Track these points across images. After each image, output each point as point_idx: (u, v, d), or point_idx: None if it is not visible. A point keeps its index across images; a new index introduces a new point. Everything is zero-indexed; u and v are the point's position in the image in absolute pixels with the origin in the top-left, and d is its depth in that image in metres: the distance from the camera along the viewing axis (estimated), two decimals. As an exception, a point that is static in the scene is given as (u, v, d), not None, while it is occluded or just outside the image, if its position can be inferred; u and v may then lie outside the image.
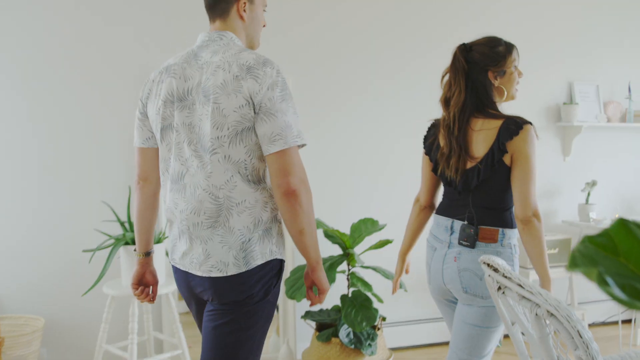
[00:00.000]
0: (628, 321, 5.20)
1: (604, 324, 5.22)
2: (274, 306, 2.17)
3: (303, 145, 2.04)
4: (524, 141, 2.38)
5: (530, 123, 2.43)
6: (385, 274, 3.92)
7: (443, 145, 2.56)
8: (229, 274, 2.05)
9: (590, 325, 5.10)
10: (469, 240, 2.46)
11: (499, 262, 2.14)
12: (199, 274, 2.10)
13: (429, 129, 2.73)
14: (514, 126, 2.40)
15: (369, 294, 3.98)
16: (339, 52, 4.47)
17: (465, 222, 2.48)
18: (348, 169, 4.51)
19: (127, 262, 3.51)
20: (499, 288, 2.10)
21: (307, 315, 4.05)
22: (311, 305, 2.24)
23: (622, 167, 5.31)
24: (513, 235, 2.47)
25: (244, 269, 2.04)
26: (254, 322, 2.10)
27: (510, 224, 2.47)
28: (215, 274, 2.06)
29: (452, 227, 2.54)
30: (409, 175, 4.64)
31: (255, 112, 1.99)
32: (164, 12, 4.10)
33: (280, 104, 1.99)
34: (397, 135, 4.60)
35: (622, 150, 5.30)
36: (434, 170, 2.65)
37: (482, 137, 2.46)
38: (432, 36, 4.65)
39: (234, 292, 2.06)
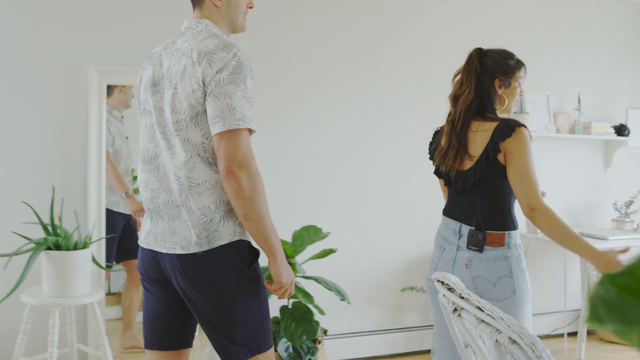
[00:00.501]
0: (574, 334, 5.13)
1: (548, 336, 5.14)
2: (258, 284, 2.16)
3: (251, 131, 2.04)
4: (516, 142, 2.48)
5: (524, 126, 2.53)
6: (328, 285, 3.72)
7: (443, 143, 2.71)
8: (191, 251, 2.07)
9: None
10: (478, 245, 2.57)
11: (454, 279, 1.96)
12: (164, 251, 2.14)
13: (434, 135, 2.87)
14: (507, 128, 2.51)
15: (310, 306, 3.77)
16: (290, 60, 4.27)
17: (473, 228, 2.59)
18: (294, 174, 4.31)
19: (48, 268, 3.22)
20: (455, 310, 1.92)
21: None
22: (279, 298, 2.22)
23: (570, 178, 5.25)
24: (517, 235, 2.59)
25: (206, 248, 2.07)
26: (245, 305, 2.11)
27: (513, 226, 2.59)
28: (178, 250, 2.09)
29: (460, 231, 2.64)
30: (359, 183, 4.46)
31: (204, 96, 2.04)
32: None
33: (226, 86, 2.00)
34: (349, 143, 4.42)
35: (570, 161, 5.23)
36: (436, 172, 2.80)
37: (478, 137, 2.59)
38: (392, 43, 4.49)
39: (205, 275, 2.07)
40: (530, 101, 4.98)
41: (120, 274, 4.15)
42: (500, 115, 2.70)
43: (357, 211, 4.48)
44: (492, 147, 2.52)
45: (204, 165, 2.08)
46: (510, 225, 2.57)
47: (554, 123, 5.05)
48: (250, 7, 2.30)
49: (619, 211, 5.16)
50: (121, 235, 4.03)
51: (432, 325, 4.69)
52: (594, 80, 5.31)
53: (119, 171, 3.99)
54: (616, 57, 5.42)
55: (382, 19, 4.51)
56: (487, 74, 2.67)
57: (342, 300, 3.73)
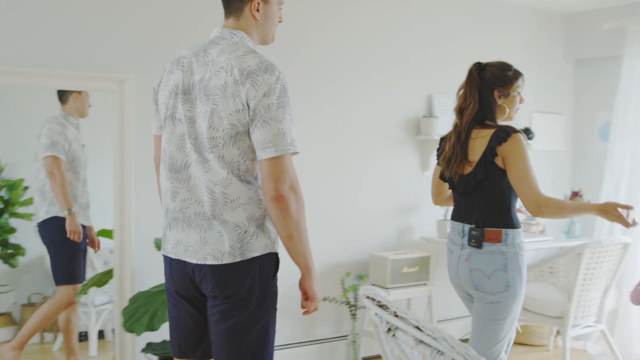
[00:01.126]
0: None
1: (462, 340, 5.09)
2: (276, 296, 2.28)
3: (295, 153, 2.10)
4: (512, 147, 2.76)
5: (520, 132, 2.80)
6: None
7: (447, 150, 2.96)
8: (224, 262, 2.13)
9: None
10: (476, 241, 2.84)
11: (387, 297, 1.79)
12: (194, 261, 2.18)
13: (440, 142, 3.13)
14: (503, 133, 2.78)
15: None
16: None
17: (473, 225, 2.87)
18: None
19: None
20: (389, 329, 1.76)
21: (149, 348, 3.55)
22: (304, 314, 2.32)
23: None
24: (517, 235, 2.84)
25: (238, 259, 2.13)
26: (263, 313, 2.20)
27: (513, 224, 2.84)
28: (210, 261, 2.14)
29: (463, 231, 2.94)
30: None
31: (250, 118, 2.07)
32: None
33: (275, 112, 2.05)
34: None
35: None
36: (441, 176, 3.07)
37: (477, 144, 2.86)
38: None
39: (235, 283, 2.15)
40: (439, 104, 4.94)
41: (9, 293, 3.78)
42: (501, 122, 2.94)
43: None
44: (490, 152, 2.79)
45: (238, 182, 2.13)
46: (509, 223, 2.83)
47: (461, 126, 5.02)
48: (280, 22, 2.36)
49: (526, 214, 5.19)
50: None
51: (346, 336, 4.55)
52: (444, 84, 5.32)
53: (66, 184, 3.72)
54: (521, 61, 5.46)
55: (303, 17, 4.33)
56: (487, 86, 2.90)
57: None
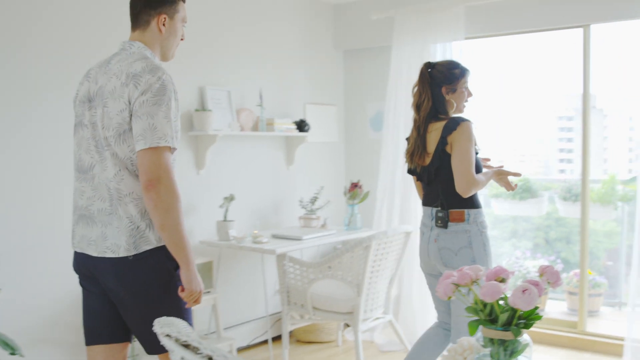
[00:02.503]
0: (276, 338, 4.90)
1: (249, 346, 4.83)
2: (179, 281, 2.38)
3: (172, 149, 2.29)
4: (459, 134, 3.10)
5: (469, 121, 3.12)
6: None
7: (410, 144, 3.31)
8: (120, 255, 2.32)
9: (239, 350, 4.64)
10: (442, 222, 3.19)
11: (192, 334, 1.42)
12: (95, 254, 2.37)
13: (407, 142, 3.38)
14: (453, 123, 3.13)
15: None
16: None
17: (439, 208, 3.21)
18: None
19: None
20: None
21: None
22: (187, 306, 2.40)
23: (257, 178, 4.99)
24: (479, 214, 3.19)
25: (133, 252, 2.32)
26: (167, 306, 2.35)
27: (474, 205, 3.18)
28: (109, 254, 2.33)
29: (432, 214, 3.26)
30: (13, 197, 3.63)
31: (130, 114, 2.27)
32: None
33: (149, 108, 2.24)
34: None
35: (256, 160, 4.98)
36: (409, 171, 3.39)
37: (432, 136, 3.21)
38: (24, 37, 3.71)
39: (132, 276, 2.33)
40: (212, 97, 4.59)
41: None
42: (453, 114, 3.24)
43: (13, 234, 3.64)
44: (442, 141, 3.12)
45: (131, 177, 2.33)
46: (470, 204, 3.17)
47: (237, 120, 4.73)
48: (182, 40, 2.59)
49: (305, 208, 5.04)
50: None
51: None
52: (273, 76, 5.12)
53: None
54: (294, 52, 5.31)
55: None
56: (435, 83, 3.23)
57: (12, 354, 2.92)
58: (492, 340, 2.42)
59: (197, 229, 4.55)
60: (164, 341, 1.49)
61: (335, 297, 4.19)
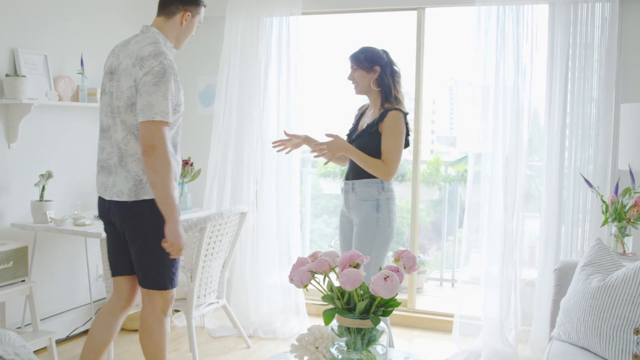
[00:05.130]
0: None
1: (70, 337, 4.41)
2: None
3: (165, 123, 2.82)
4: None
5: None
6: None
7: None
8: (122, 199, 2.93)
9: (58, 343, 4.20)
10: None
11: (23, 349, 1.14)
12: (107, 198, 3.00)
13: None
14: None
15: None
16: None
17: None
18: None
19: None
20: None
21: None
22: (170, 257, 2.95)
23: (77, 154, 4.53)
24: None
25: (132, 199, 2.92)
26: (154, 247, 2.93)
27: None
28: (115, 198, 2.95)
29: None
30: None
31: (136, 92, 2.86)
32: None
33: (149, 87, 2.81)
34: None
35: (76, 134, 4.52)
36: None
37: None
38: None
39: (130, 217, 2.95)
40: (25, 62, 4.09)
41: None
42: None
43: None
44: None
45: (135, 141, 2.91)
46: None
47: (55, 89, 4.26)
48: (192, 36, 3.18)
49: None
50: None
51: None
52: (96, 41, 4.66)
53: None
54: (119, 17, 4.87)
55: None
56: None
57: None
58: (348, 329, 2.32)
59: (9, 210, 4.05)
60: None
61: (167, 283, 3.92)
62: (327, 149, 3.41)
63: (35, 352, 3.95)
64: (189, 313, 3.87)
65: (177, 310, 4.76)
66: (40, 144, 4.23)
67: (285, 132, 3.70)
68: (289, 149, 3.65)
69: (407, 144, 3.52)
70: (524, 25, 4.24)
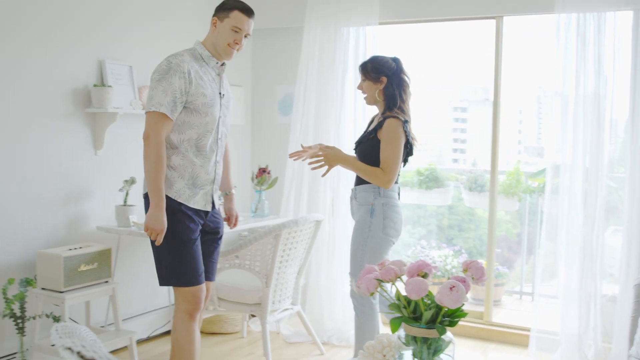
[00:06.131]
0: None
1: (150, 338, 4.56)
2: (174, 231, 3.07)
3: (161, 113, 2.98)
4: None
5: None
6: None
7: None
8: (142, 192, 3.18)
9: (139, 343, 4.35)
10: None
11: (97, 344, 1.21)
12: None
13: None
14: None
15: None
16: None
17: None
18: None
19: None
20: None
21: None
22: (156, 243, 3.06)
23: (159, 161, 4.70)
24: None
25: (143, 192, 3.15)
26: (161, 244, 3.06)
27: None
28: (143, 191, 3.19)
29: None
30: None
31: None
32: None
33: (153, 83, 3.04)
34: None
35: (158, 142, 4.68)
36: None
37: None
38: None
39: (146, 211, 3.10)
40: (112, 72, 4.27)
41: None
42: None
43: None
44: None
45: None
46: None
47: (139, 98, 4.43)
48: (237, 43, 3.17)
49: (210, 193, 4.82)
50: None
51: (13, 354, 3.73)
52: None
53: None
54: (200, 30, 5.02)
55: None
56: None
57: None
58: (414, 338, 2.32)
59: (95, 214, 4.24)
60: (64, 354, 1.27)
61: (242, 288, 4.01)
62: (324, 161, 3.50)
63: (116, 351, 4.12)
64: (263, 318, 3.94)
65: (253, 315, 4.85)
66: (125, 151, 4.41)
67: (302, 145, 3.73)
68: (307, 160, 3.63)
69: (410, 152, 3.59)
70: (606, 32, 4.12)
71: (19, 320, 3.57)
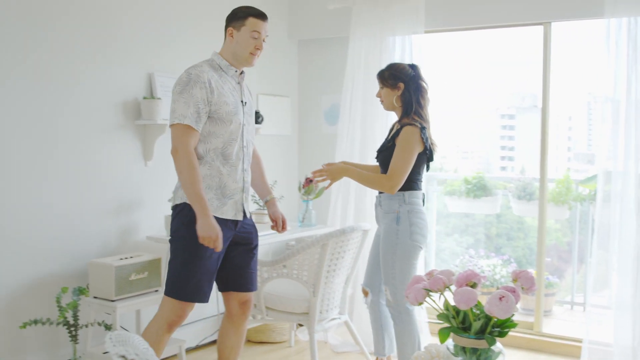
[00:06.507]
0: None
1: (199, 347, 4.61)
2: (186, 242, 3.07)
3: (186, 125, 2.98)
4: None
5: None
6: None
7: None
8: (170, 204, 3.26)
9: (188, 351, 4.41)
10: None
11: (149, 353, 1.24)
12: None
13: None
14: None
15: None
16: None
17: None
18: None
19: None
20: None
21: None
22: (213, 249, 3.04)
23: (207, 171, 4.76)
24: None
25: (172, 203, 3.21)
26: (174, 247, 3.17)
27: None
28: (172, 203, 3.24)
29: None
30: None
31: None
32: None
33: (175, 96, 3.05)
34: None
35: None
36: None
37: None
38: None
39: (171, 223, 3.23)
40: (161, 85, 4.35)
41: None
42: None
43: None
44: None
45: None
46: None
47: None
48: (258, 49, 3.19)
49: (257, 203, 4.85)
50: None
51: (64, 362, 3.83)
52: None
53: None
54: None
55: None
56: None
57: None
58: (463, 349, 2.30)
59: (144, 224, 4.32)
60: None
61: (290, 297, 4.02)
62: (327, 174, 3.64)
63: (165, 359, 4.18)
64: (311, 327, 3.95)
65: (300, 325, 4.87)
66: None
67: (323, 164, 3.75)
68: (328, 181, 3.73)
69: (430, 158, 3.66)
70: (658, 35, 4.04)
71: (72, 328, 3.65)
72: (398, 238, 3.56)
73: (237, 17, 3.16)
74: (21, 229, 3.66)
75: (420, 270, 4.06)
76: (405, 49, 4.87)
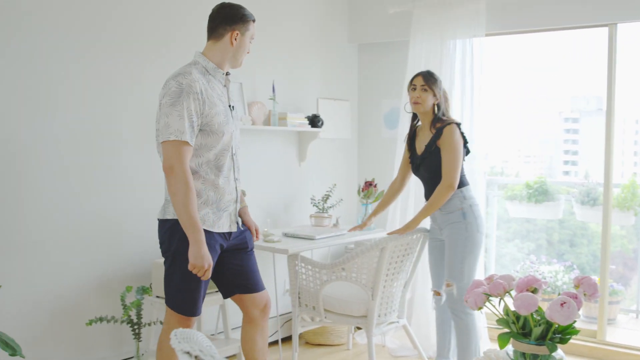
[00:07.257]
0: (286, 339, 4.74)
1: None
2: (180, 258, 2.87)
3: (184, 142, 2.75)
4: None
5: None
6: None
7: None
8: (158, 217, 3.03)
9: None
10: None
11: (211, 349, 1.28)
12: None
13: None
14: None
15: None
16: None
17: None
18: None
19: None
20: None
21: None
22: (202, 278, 2.90)
23: (268, 174, 4.83)
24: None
25: (159, 217, 3.00)
26: (171, 262, 2.94)
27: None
28: (158, 216, 3.04)
29: None
30: (15, 182, 3.49)
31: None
32: None
33: (166, 109, 2.79)
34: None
35: (267, 155, 4.83)
36: None
37: None
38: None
39: (159, 234, 3.01)
40: (224, 90, 4.44)
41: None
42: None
43: (14, 224, 3.51)
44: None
45: None
46: None
47: (249, 114, 4.58)
48: (248, 53, 3.10)
49: (317, 206, 4.90)
50: None
51: (130, 358, 3.93)
52: (286, 69, 4.97)
53: None
54: (306, 45, 5.15)
55: None
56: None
57: (12, 355, 2.78)
58: (523, 355, 2.28)
59: (206, 226, 4.40)
60: (183, 358, 1.34)
61: (349, 300, 4.04)
62: (403, 232, 3.91)
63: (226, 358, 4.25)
64: (369, 330, 3.96)
65: (358, 328, 4.88)
66: (236, 165, 4.55)
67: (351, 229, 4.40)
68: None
69: (467, 152, 3.88)
70: None
71: (136, 326, 3.75)
72: (467, 232, 3.73)
73: (243, 20, 3.01)
74: (90, 231, 3.78)
75: (479, 275, 4.04)
76: (466, 52, 4.84)
